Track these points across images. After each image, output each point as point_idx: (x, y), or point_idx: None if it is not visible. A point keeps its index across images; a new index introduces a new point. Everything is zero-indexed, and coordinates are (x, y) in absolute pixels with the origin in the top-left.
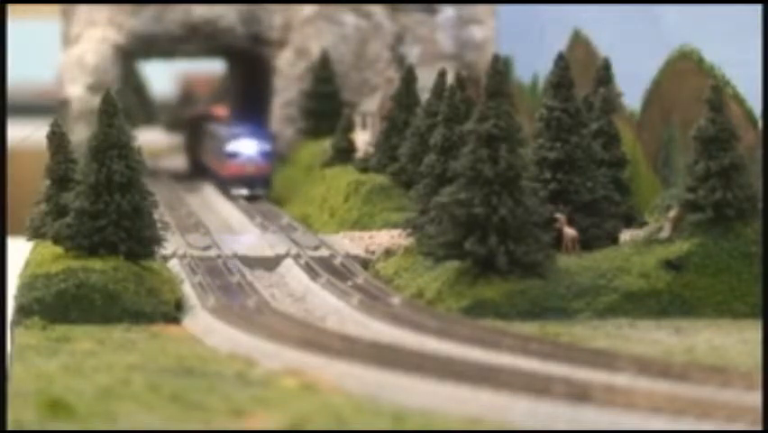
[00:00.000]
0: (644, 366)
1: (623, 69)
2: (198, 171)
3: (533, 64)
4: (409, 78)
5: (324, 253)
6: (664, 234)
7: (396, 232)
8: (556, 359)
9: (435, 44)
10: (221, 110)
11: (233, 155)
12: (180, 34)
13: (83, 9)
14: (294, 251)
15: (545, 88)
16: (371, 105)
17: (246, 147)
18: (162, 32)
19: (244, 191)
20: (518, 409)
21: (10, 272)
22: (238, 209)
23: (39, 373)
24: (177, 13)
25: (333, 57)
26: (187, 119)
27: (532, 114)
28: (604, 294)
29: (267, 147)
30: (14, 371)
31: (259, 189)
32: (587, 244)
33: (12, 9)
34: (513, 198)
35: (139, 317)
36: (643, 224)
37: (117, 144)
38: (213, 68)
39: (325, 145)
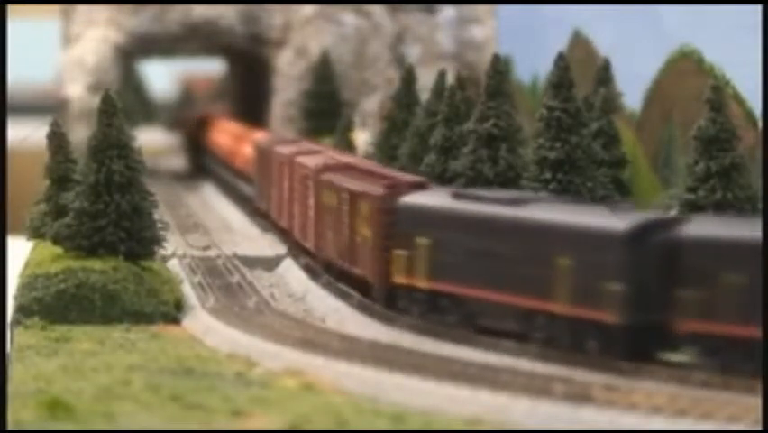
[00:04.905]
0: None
1: (623, 69)
2: (198, 171)
3: (533, 64)
4: (409, 78)
5: None
6: None
7: None
8: (556, 359)
9: (435, 44)
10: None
11: None
12: (180, 34)
13: (83, 9)
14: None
15: (545, 88)
16: (371, 105)
17: None
18: (162, 32)
19: None
20: (518, 409)
21: (10, 272)
22: (238, 209)
23: (38, 373)
24: (177, 12)
25: (333, 57)
26: (189, 120)
27: (532, 114)
28: None
29: None
30: (14, 371)
31: None
32: None
33: (12, 9)
34: None
35: (139, 317)
36: None
37: (117, 144)
38: (213, 68)
39: None
